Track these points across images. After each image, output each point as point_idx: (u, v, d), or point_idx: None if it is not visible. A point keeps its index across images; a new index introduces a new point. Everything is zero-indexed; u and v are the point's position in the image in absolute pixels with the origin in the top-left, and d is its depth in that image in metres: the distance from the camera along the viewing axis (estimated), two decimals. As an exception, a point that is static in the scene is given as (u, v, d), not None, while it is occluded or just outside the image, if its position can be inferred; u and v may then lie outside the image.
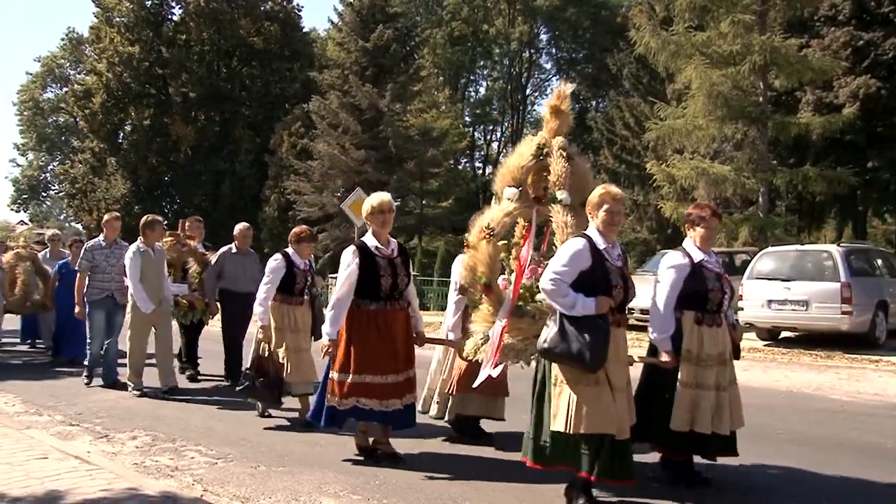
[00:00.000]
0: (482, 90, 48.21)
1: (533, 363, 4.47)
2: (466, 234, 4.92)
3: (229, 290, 8.28)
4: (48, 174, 55.14)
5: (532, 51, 45.41)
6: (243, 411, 6.84)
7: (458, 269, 5.35)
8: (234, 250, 8.35)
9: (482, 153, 48.01)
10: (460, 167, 43.60)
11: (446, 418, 5.83)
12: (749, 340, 11.92)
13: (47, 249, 11.64)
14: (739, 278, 13.02)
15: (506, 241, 5.01)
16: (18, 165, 56.39)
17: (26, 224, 49.97)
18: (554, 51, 46.77)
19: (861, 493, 4.72)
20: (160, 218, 8.00)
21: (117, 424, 6.30)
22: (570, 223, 4.58)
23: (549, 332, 4.08)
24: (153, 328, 7.82)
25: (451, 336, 5.48)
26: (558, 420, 4.02)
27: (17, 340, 12.03)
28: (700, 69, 16.22)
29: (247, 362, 6.81)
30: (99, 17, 37.70)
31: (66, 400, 7.42)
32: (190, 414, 6.86)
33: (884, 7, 20.92)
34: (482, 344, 4.64)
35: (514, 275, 4.84)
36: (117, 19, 37.10)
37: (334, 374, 4.99)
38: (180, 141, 36.88)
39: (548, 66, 47.45)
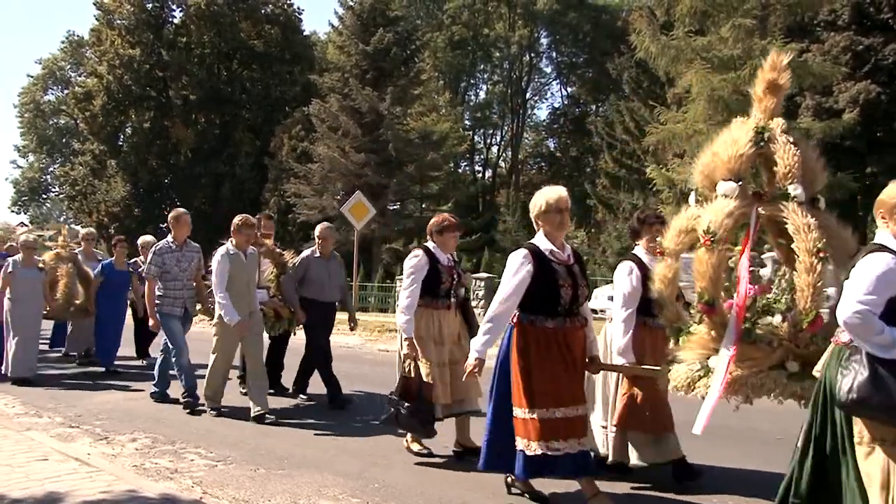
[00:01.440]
0: (482, 94, 48.25)
1: (783, 401, 3.68)
2: (659, 239, 4.20)
3: (314, 299, 7.40)
4: (48, 176, 55.13)
5: (532, 55, 45.45)
6: (243, 414, 6.83)
7: (623, 280, 4.63)
8: (317, 254, 7.48)
9: (482, 157, 48.03)
10: (460, 171, 43.63)
11: (610, 459, 4.77)
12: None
13: (80, 249, 10.55)
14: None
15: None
16: (19, 167, 56.45)
17: (26, 226, 49.96)
18: (554, 55, 46.81)
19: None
20: (253, 219, 7.10)
21: (117, 426, 6.30)
22: (812, 226, 3.74)
23: (853, 378, 3.02)
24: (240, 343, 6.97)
25: (623, 360, 4.54)
26: (873, 492, 2.98)
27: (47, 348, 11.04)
28: (700, 74, 16.25)
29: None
30: (99, 19, 37.79)
31: (67, 402, 7.42)
32: (190, 416, 6.86)
33: (883, 13, 20.97)
34: (701, 377, 3.75)
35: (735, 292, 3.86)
36: (118, 22, 37.18)
37: (518, 412, 4.08)
38: (180, 143, 36.93)
39: (548, 70, 47.54)
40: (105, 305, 9.37)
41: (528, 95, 46.25)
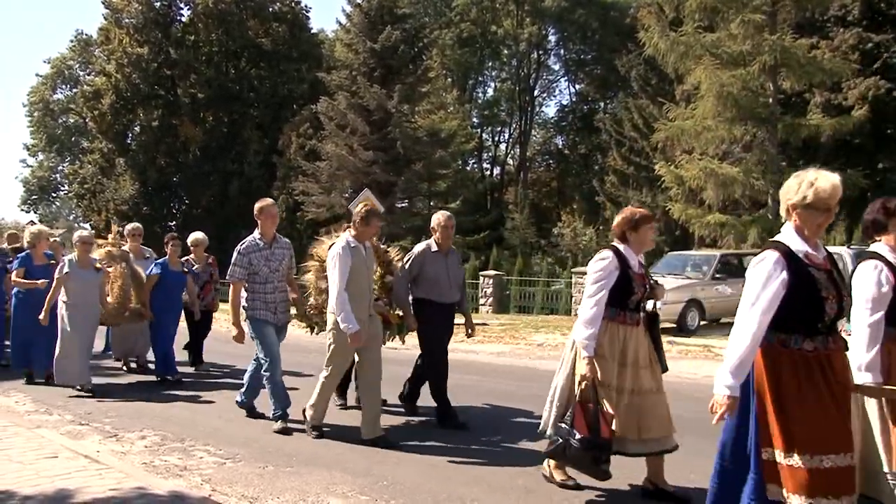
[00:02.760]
0: (490, 91, 48.21)
1: None
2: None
3: (431, 300, 6.28)
4: (58, 175, 55.43)
5: (540, 52, 45.34)
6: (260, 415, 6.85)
7: (868, 280, 3.62)
8: (433, 248, 6.39)
9: (490, 154, 47.98)
10: (468, 168, 43.59)
11: None
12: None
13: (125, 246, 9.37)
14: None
15: None
16: (29, 166, 56.77)
17: (36, 224, 50.11)
18: (562, 52, 46.69)
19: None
20: (381, 208, 6.27)
21: (126, 424, 6.32)
22: None
23: None
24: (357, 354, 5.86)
25: (870, 378, 3.46)
26: None
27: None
28: (709, 70, 16.17)
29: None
30: (108, 18, 37.89)
31: (76, 399, 7.46)
32: (198, 414, 6.88)
33: (894, 9, 20.84)
34: None
35: None
36: (126, 20, 37.27)
37: (774, 455, 3.17)
38: (189, 142, 37.01)
39: (556, 67, 47.42)
40: (160, 309, 8.55)
41: (536, 93, 46.15)
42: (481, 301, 20.74)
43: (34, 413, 6.81)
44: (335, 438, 5.87)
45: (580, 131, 43.30)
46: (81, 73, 50.80)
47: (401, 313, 6.52)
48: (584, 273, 5.87)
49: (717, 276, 14.56)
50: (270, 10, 38.73)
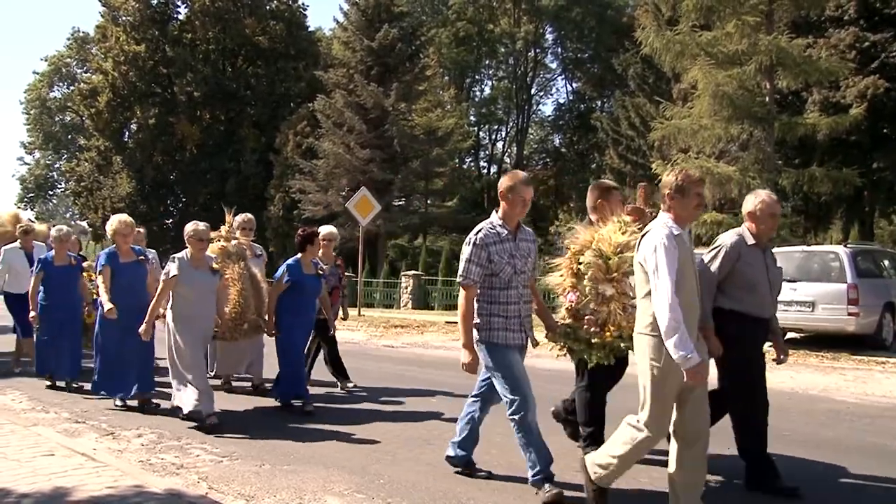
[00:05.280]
0: (487, 90, 48.23)
1: None
2: None
3: (747, 313, 4.57)
4: (55, 173, 55.43)
5: (537, 50, 45.35)
6: (248, 410, 6.85)
7: None
8: (750, 240, 4.68)
9: (487, 153, 48.02)
10: (465, 166, 43.63)
11: None
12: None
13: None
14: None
15: None
16: (26, 164, 56.80)
17: (33, 222, 50.07)
18: (559, 50, 46.72)
19: (871, 495, 4.70)
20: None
21: (123, 422, 6.32)
22: None
23: None
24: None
25: None
26: None
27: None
28: (705, 69, 16.17)
29: None
30: (105, 16, 37.86)
31: (73, 397, 7.45)
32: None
33: (890, 8, 20.88)
34: None
35: None
36: (123, 18, 37.26)
37: None
38: (186, 140, 37.00)
39: (553, 65, 47.45)
40: (290, 323, 6.81)
41: (533, 91, 46.17)
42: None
43: (30, 411, 6.80)
44: (331, 436, 5.87)
45: (577, 130, 43.34)
46: (78, 71, 50.81)
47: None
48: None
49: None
50: (268, 8, 38.75)
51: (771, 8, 16.28)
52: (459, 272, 4.43)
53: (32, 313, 7.82)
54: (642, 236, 3.88)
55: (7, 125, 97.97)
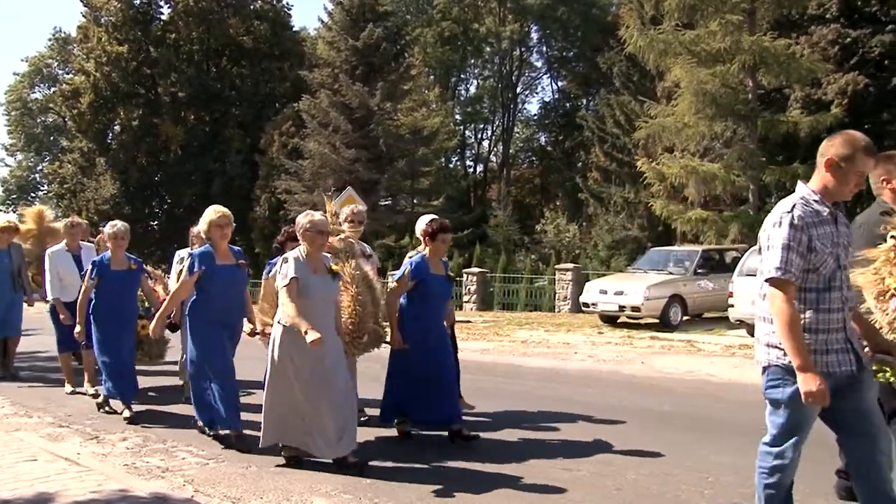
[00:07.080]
0: (473, 89, 48.21)
1: None
2: None
3: None
4: (37, 175, 54.90)
5: (523, 49, 45.40)
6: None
7: None
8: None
9: (473, 151, 47.99)
10: (451, 166, 43.61)
11: None
12: (739, 337, 11.97)
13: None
14: (729, 276, 13.10)
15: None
16: (7, 166, 56.21)
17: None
18: (545, 49, 46.78)
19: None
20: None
21: (108, 426, 6.26)
22: None
23: None
24: None
25: None
26: None
27: None
28: (687, 67, 16.29)
29: None
30: (86, 16, 37.56)
31: (57, 402, 7.38)
32: (180, 415, 6.82)
33: (871, 5, 21.07)
34: None
35: None
36: (105, 18, 36.96)
37: None
38: (170, 141, 36.78)
39: (538, 64, 47.49)
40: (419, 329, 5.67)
41: (518, 90, 46.20)
42: (465, 298, 20.78)
43: (13, 416, 6.72)
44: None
45: (563, 128, 43.41)
46: (60, 72, 50.34)
47: None
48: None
49: (700, 271, 14.71)
50: (252, 7, 38.57)
51: (753, 6, 16.42)
52: (774, 264, 2.98)
53: (78, 328, 6.77)
54: None
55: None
